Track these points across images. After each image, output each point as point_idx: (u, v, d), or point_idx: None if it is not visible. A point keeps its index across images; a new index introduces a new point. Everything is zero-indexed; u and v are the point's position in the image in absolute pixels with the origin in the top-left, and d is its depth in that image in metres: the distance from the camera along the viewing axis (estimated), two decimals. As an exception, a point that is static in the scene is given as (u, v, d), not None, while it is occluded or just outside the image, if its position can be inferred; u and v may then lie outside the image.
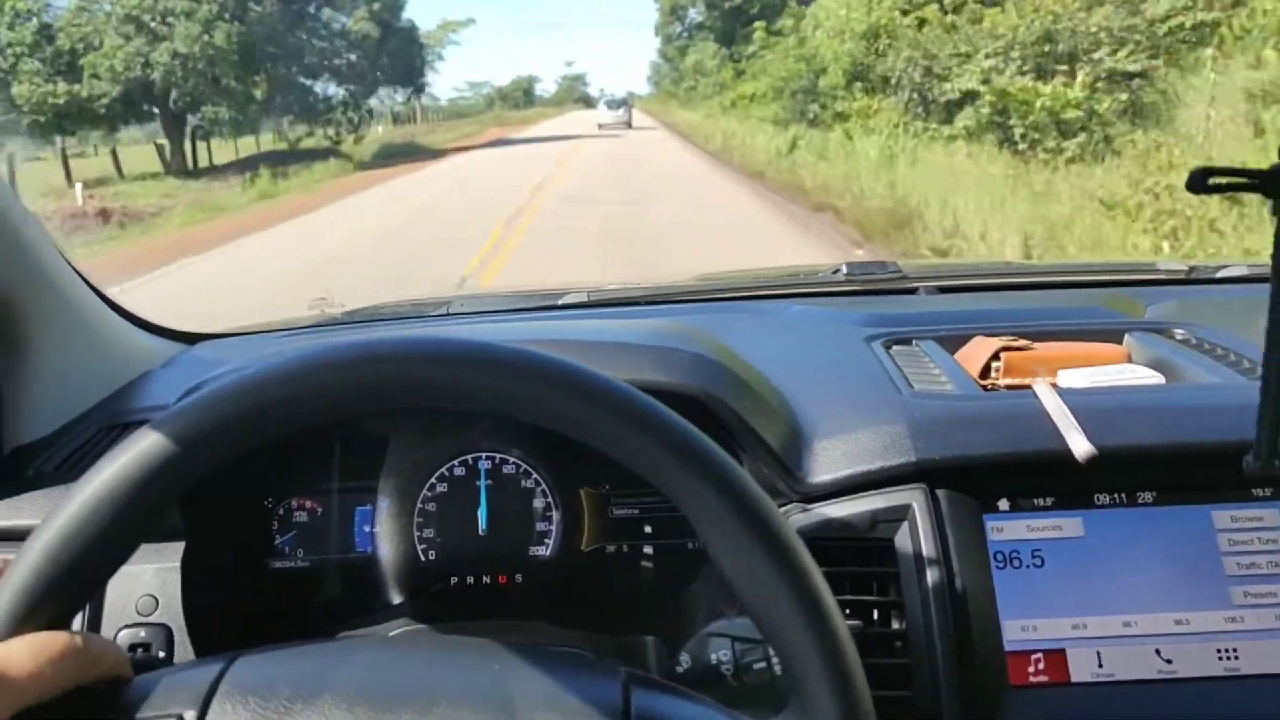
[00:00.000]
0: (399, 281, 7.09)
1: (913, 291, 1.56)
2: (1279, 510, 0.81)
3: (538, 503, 1.05)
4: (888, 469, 0.85)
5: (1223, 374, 0.95)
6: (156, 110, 23.69)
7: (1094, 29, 11.34)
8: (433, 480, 1.04)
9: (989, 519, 0.85)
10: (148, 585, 0.90)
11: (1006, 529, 0.85)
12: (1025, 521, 0.85)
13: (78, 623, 0.89)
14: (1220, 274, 1.38)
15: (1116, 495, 0.84)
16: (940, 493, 0.84)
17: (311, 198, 15.14)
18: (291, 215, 13.00)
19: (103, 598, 0.90)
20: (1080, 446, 0.81)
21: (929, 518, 0.82)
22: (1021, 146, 10.63)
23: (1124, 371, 0.97)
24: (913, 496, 0.84)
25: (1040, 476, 0.85)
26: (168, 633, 0.88)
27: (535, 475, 1.04)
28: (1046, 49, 11.76)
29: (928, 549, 0.81)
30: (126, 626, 0.88)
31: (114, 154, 24.40)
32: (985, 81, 11.76)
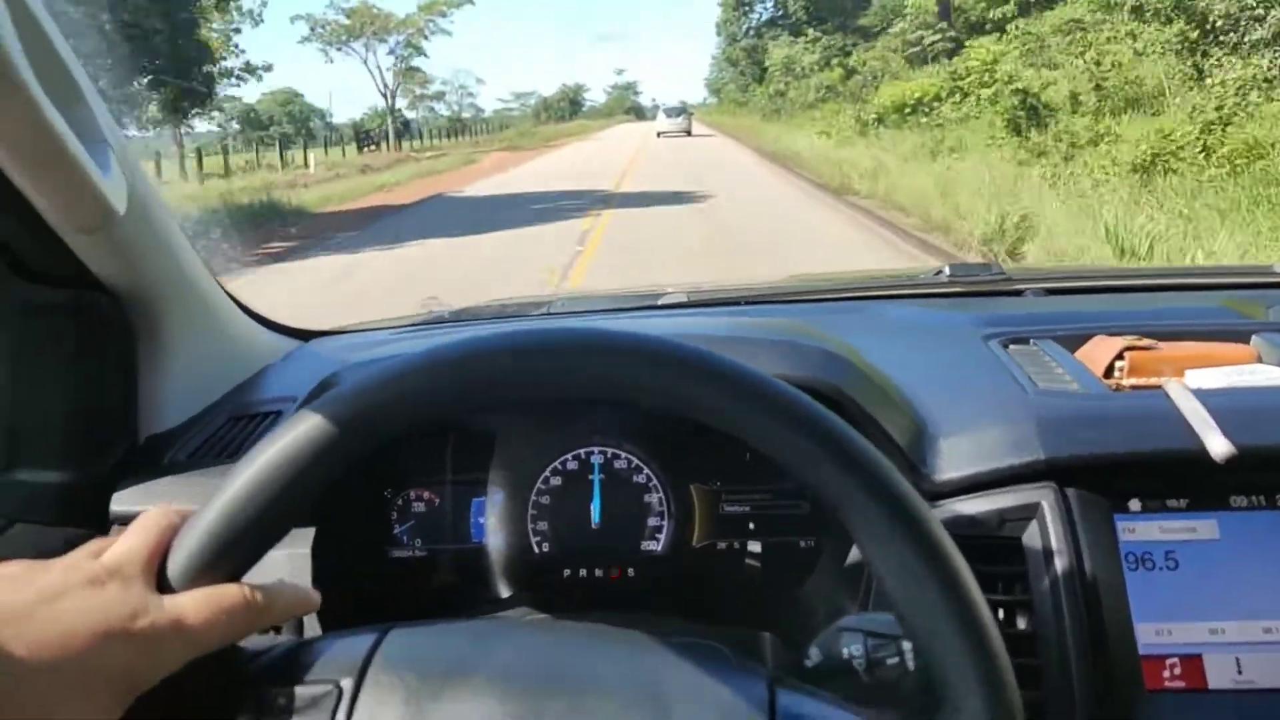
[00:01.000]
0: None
1: (1019, 294, 1.53)
2: None
3: (650, 498, 1.04)
4: (1016, 467, 0.84)
5: None
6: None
7: None
8: (546, 473, 1.05)
9: (1120, 519, 0.83)
10: (280, 569, 0.92)
11: (1138, 530, 0.83)
12: (1158, 523, 0.83)
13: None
14: None
15: (1254, 497, 0.81)
16: (1070, 492, 0.82)
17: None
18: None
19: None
20: (1218, 446, 0.78)
21: (1059, 517, 0.81)
22: None
23: (1256, 372, 0.94)
24: (1042, 495, 0.82)
25: (1173, 477, 0.83)
26: (298, 619, 0.91)
27: (647, 471, 1.04)
28: None
29: (1058, 548, 0.80)
30: None
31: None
32: None
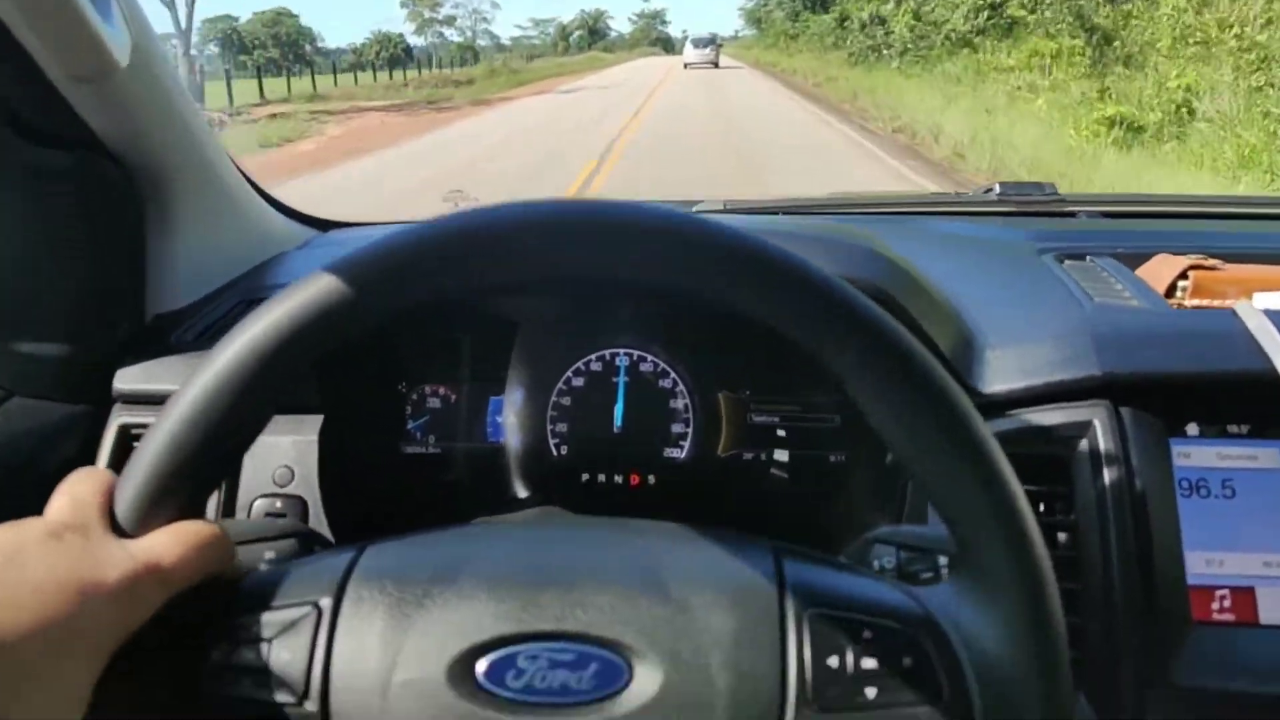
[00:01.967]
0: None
1: (1072, 215, 1.45)
2: None
3: (675, 404, 1.01)
4: (1068, 382, 0.78)
5: None
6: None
7: None
8: (568, 374, 1.01)
9: (1175, 443, 0.77)
10: (285, 456, 0.89)
11: (1194, 455, 0.78)
12: (1216, 449, 0.77)
13: (214, 502, 0.88)
14: None
15: (1324, 426, 0.75)
16: (1124, 411, 0.77)
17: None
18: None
19: (239, 469, 0.89)
20: (1292, 369, 0.72)
21: (1112, 436, 0.75)
22: None
23: (1331, 296, 0.87)
24: (1094, 413, 0.77)
25: (1236, 401, 0.77)
26: (302, 505, 0.88)
27: (674, 375, 1.00)
28: None
29: (1109, 469, 0.74)
30: (263, 496, 0.88)
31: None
32: None
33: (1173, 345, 0.79)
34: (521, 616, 0.44)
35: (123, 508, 0.47)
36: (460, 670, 0.44)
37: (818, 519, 0.94)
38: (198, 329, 0.97)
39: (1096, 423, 0.77)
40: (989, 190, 1.48)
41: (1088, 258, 1.04)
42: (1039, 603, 0.45)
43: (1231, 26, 11.12)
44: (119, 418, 0.88)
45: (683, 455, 1.00)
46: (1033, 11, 15.22)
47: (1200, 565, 0.75)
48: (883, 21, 20.82)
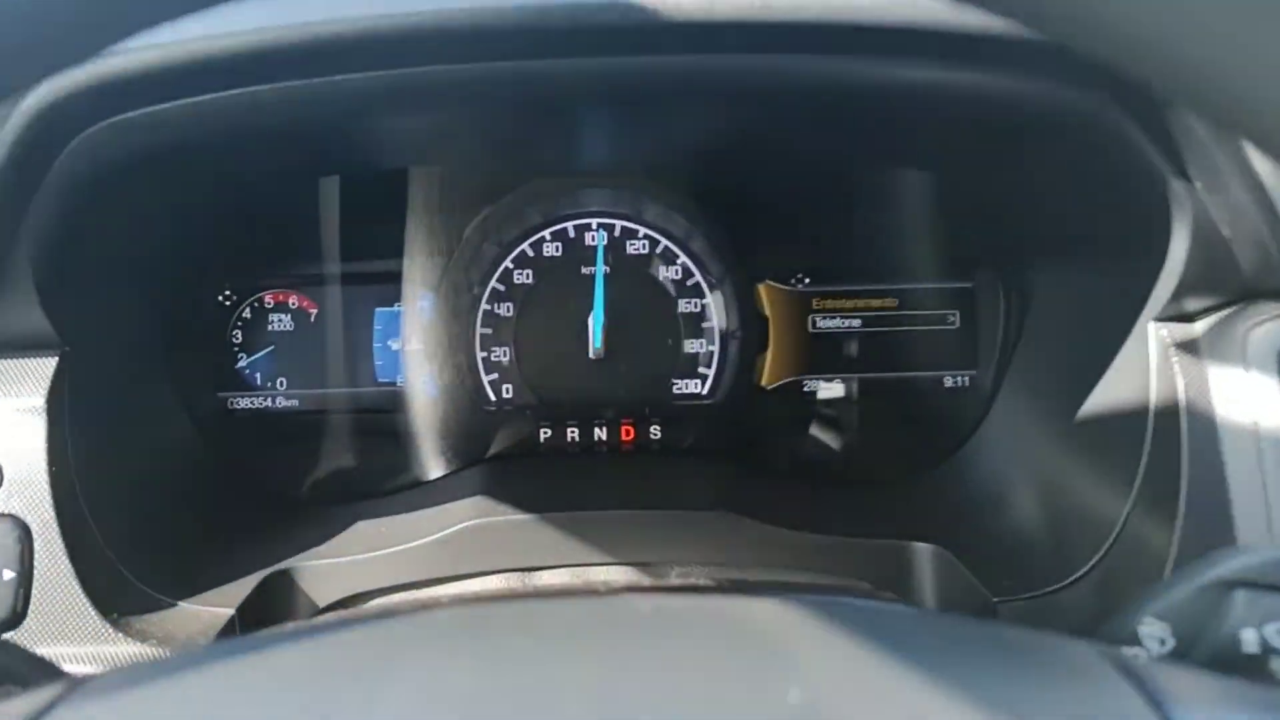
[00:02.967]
0: None
1: None
2: None
3: (689, 305, 0.69)
4: None
5: None
6: None
7: None
8: (506, 262, 0.69)
9: None
10: None
11: None
12: None
13: None
14: None
15: None
16: None
17: None
18: None
19: None
20: None
21: None
22: None
23: None
24: None
25: None
26: (21, 533, 0.54)
27: (685, 258, 0.69)
28: None
29: None
30: None
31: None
32: None
33: None
34: None
35: None
36: None
37: (941, 499, 0.66)
38: None
39: None
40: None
41: None
42: None
43: None
44: None
45: (705, 390, 0.70)
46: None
47: None
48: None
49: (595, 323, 0.67)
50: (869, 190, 0.68)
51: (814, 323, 0.70)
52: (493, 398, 0.70)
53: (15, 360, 0.56)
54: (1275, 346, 0.52)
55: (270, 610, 0.55)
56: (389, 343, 0.71)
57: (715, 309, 0.71)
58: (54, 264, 0.55)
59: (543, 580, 0.58)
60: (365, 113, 0.55)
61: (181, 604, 0.54)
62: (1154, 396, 0.52)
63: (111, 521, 0.56)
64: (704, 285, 0.71)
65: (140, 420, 0.64)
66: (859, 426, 0.72)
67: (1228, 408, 0.51)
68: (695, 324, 0.69)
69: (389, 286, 0.71)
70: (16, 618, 0.53)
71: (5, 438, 0.53)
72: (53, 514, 0.53)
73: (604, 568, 0.59)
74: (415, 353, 0.72)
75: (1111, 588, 0.51)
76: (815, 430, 0.72)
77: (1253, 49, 0.25)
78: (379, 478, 0.69)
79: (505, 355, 0.69)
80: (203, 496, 0.68)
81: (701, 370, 0.70)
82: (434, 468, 0.70)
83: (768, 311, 0.72)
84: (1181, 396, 0.51)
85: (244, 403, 0.70)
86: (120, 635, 0.52)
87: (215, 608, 0.54)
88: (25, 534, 0.53)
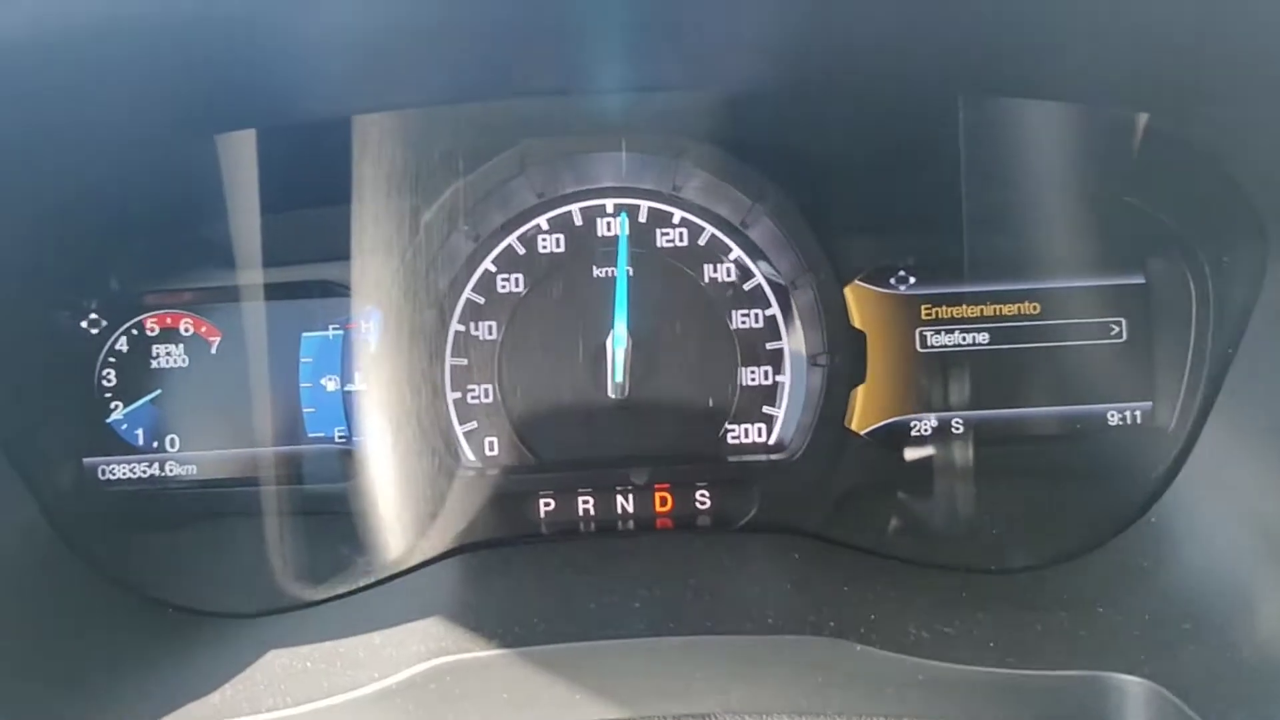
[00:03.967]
0: None
1: None
2: None
3: (745, 319, 0.56)
4: None
5: None
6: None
7: None
8: (488, 263, 0.57)
9: None
10: None
11: None
12: None
13: None
14: None
15: None
16: None
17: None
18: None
19: None
20: None
21: None
22: None
23: None
24: None
25: None
26: None
27: (739, 249, 0.54)
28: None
29: None
30: None
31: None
32: None
33: None
34: None
35: None
36: None
37: (1140, 600, 0.49)
38: None
39: None
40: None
41: None
42: None
43: None
44: None
45: (772, 438, 0.55)
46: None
47: None
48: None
49: (615, 346, 0.55)
50: (995, 143, 0.51)
51: (924, 339, 0.53)
52: (470, 456, 0.56)
53: None
54: None
55: None
56: (323, 381, 0.54)
57: (785, 323, 0.52)
58: None
59: None
60: (278, 23, 0.38)
61: None
62: None
63: None
64: (767, 289, 0.53)
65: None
66: (991, 487, 0.52)
67: None
68: (757, 345, 0.56)
69: (321, 301, 0.53)
70: None
71: None
72: None
73: None
74: (360, 395, 0.52)
75: None
76: (929, 493, 0.54)
77: None
78: (309, 579, 0.53)
79: (487, 395, 0.58)
80: (55, 609, 0.48)
81: (767, 410, 0.56)
82: (386, 562, 0.50)
83: (859, 324, 0.53)
84: None
85: (119, 471, 0.54)
86: None
87: None
88: None
